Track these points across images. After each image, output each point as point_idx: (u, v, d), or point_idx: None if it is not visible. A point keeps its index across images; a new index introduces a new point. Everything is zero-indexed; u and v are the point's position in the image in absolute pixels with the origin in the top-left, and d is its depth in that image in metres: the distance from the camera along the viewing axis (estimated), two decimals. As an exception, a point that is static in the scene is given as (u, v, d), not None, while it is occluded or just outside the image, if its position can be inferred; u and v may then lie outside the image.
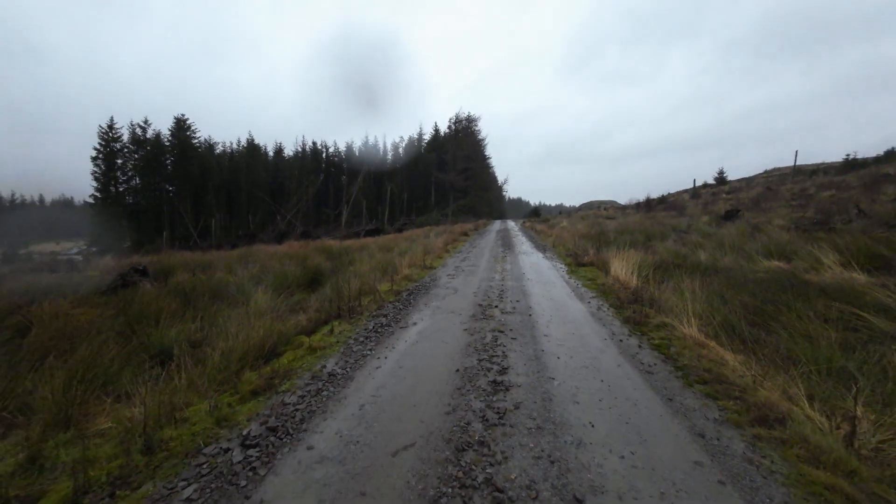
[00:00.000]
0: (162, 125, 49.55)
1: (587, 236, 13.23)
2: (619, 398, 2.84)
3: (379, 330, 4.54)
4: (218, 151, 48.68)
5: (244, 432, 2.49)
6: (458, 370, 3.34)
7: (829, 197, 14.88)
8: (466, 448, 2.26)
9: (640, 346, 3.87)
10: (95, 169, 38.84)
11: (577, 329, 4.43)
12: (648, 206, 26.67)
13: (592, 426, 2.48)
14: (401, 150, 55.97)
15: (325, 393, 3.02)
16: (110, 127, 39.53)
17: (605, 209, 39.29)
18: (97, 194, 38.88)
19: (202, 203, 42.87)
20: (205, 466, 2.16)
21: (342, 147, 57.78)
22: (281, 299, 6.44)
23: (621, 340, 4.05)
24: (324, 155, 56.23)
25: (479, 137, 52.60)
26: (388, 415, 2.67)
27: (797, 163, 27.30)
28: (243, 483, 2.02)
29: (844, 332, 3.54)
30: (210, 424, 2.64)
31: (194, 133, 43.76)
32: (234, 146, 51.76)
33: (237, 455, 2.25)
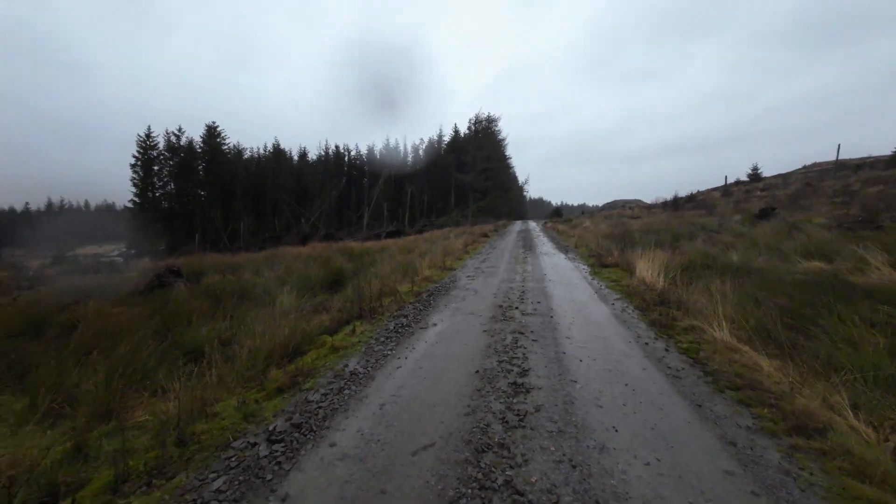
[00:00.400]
0: (195, 132, 51.81)
1: (610, 236, 12.90)
2: (644, 403, 2.76)
3: (399, 330, 4.59)
4: (246, 157, 50.54)
5: (270, 428, 2.57)
6: (477, 371, 3.33)
7: (876, 193, 13.91)
8: (486, 450, 2.25)
9: (666, 350, 3.74)
10: (134, 175, 41.07)
11: (600, 331, 4.33)
12: (676, 204, 25.76)
13: (616, 431, 2.41)
14: (421, 152, 56.42)
15: (346, 392, 3.08)
16: (147, 135, 41.73)
17: (629, 208, 38.20)
18: (136, 199, 41.09)
19: (231, 207, 44.60)
20: (233, 459, 2.25)
21: (364, 150, 58.84)
22: (305, 300, 6.61)
23: (647, 343, 3.93)
24: (346, 158, 57.40)
25: (499, 138, 52.28)
26: (408, 415, 2.69)
27: (840, 157, 25.65)
28: (269, 477, 2.09)
29: (893, 338, 3.30)
30: (238, 420, 2.74)
31: (224, 140, 45.61)
32: (261, 151, 53.57)
33: (263, 450, 2.33)
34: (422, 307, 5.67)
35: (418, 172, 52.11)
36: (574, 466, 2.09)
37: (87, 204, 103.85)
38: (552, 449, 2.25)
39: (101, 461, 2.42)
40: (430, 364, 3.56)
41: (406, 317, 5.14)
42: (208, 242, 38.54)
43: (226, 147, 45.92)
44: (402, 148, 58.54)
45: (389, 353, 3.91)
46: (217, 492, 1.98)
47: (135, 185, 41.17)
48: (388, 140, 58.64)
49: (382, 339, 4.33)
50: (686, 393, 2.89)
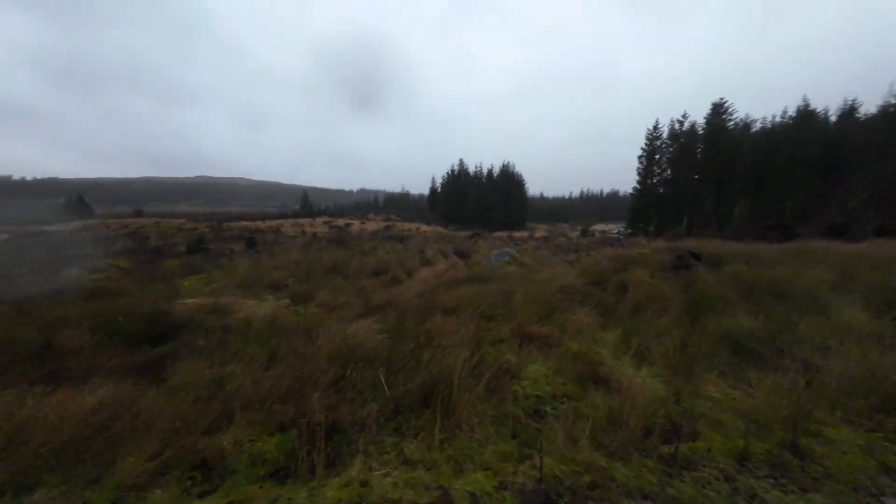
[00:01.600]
0: (700, 114, 51.14)
1: None
2: None
3: None
4: (755, 130, 43.33)
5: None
6: None
7: None
8: None
9: None
10: (639, 165, 47.91)
11: None
12: None
13: None
14: None
15: None
16: (654, 127, 46.70)
17: None
18: (637, 186, 48.01)
19: (726, 189, 40.76)
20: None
21: None
22: (886, 324, 4.53)
23: None
24: (946, 100, 33.86)
25: None
26: None
27: None
28: None
29: None
30: (860, 458, 2.16)
31: (730, 116, 41.68)
32: (776, 119, 43.54)
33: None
34: None
35: None
36: None
37: (601, 192, 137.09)
38: None
39: (698, 418, 2.75)
40: None
41: None
42: (694, 226, 37.97)
43: (731, 123, 41.87)
44: None
45: None
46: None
47: (638, 173, 48.05)
48: None
49: None
50: None
